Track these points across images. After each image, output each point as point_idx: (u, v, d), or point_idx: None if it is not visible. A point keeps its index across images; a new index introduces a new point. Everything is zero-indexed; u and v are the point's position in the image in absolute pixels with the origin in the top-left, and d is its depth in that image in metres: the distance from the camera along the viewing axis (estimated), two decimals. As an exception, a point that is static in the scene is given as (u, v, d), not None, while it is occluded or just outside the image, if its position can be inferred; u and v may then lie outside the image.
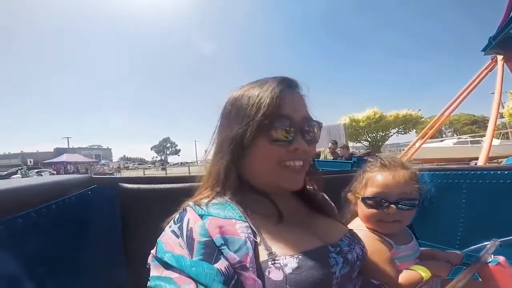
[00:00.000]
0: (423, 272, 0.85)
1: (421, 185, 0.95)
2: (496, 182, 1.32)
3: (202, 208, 0.60)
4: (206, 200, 0.64)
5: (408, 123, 38.39)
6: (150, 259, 0.55)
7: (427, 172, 1.56)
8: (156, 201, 1.06)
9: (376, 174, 0.95)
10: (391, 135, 39.94)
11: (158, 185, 1.14)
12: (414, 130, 37.21)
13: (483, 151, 6.00)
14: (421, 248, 1.13)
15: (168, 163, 69.89)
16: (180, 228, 0.56)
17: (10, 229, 0.57)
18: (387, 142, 41.77)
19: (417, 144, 9.17)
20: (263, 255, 0.56)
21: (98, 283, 0.89)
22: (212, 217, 0.58)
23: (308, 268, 0.55)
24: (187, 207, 0.62)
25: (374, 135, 38.33)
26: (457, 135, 34.17)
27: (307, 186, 0.82)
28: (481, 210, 1.38)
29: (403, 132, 39.87)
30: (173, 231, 0.57)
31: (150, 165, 68.50)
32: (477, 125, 46.26)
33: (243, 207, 0.63)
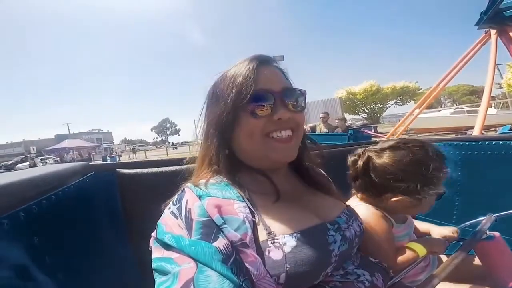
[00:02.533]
0: (419, 250, 0.83)
1: None
2: (491, 153, 1.25)
3: (200, 189, 0.60)
4: (204, 181, 0.64)
5: (405, 95, 38.00)
6: (151, 242, 0.55)
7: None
8: (155, 184, 1.06)
9: (445, 169, 0.88)
10: (389, 107, 39.70)
11: (156, 168, 1.13)
12: (413, 101, 36.79)
13: (478, 120, 5.91)
14: (417, 222, 1.10)
15: (169, 143, 69.85)
16: (179, 209, 0.57)
17: (14, 223, 0.56)
18: (386, 113, 41.51)
19: (413, 115, 9.07)
20: (262, 235, 0.56)
21: (107, 270, 0.90)
22: (210, 197, 0.58)
23: (307, 247, 0.55)
24: (185, 188, 0.63)
25: (372, 107, 38.06)
26: (456, 105, 33.90)
27: (305, 163, 0.80)
28: (477, 183, 1.31)
29: (401, 103, 39.55)
30: (172, 212, 0.57)
31: (151, 146, 68.19)
32: (476, 95, 45.30)
33: (240, 187, 0.63)
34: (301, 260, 0.54)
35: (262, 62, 0.68)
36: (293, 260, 0.53)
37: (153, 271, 0.51)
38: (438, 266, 0.85)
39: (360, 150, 0.97)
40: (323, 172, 0.90)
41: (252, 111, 0.64)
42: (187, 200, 0.58)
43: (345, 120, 7.46)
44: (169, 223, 0.55)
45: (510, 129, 6.60)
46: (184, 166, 1.14)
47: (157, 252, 0.52)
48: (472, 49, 7.49)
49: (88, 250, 0.84)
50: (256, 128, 0.65)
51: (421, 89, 37.44)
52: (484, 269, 0.88)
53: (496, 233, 0.84)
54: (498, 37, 6.65)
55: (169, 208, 0.59)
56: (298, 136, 0.70)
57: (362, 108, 38.42)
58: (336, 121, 7.26)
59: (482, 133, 6.12)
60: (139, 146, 59.31)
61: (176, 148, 39.41)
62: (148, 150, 44.83)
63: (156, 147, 61.36)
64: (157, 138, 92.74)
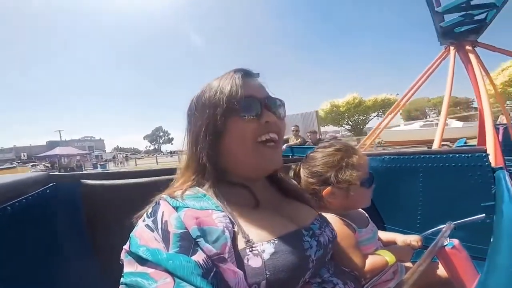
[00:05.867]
0: (389, 257, 0.85)
1: None
2: (448, 166, 1.33)
3: (177, 200, 0.57)
4: (180, 192, 0.61)
5: (386, 107, 38.86)
6: (123, 255, 0.51)
7: (387, 157, 1.56)
8: (123, 197, 1.02)
9: (356, 157, 0.94)
10: (371, 119, 40.49)
11: (124, 180, 1.08)
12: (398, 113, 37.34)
13: (436, 134, 5.74)
14: (383, 232, 1.14)
15: (162, 151, 68.72)
16: (155, 221, 0.53)
17: None
18: (370, 125, 42.24)
19: (379, 128, 8.88)
20: (241, 243, 0.54)
21: (68, 284, 0.84)
22: (188, 208, 0.55)
23: (285, 253, 0.55)
24: (160, 200, 0.59)
25: (355, 119, 38.73)
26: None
27: (279, 173, 0.81)
28: (436, 193, 1.38)
29: (382, 115, 40.35)
30: (147, 225, 0.53)
31: (143, 154, 67.01)
32: (459, 106, 46.33)
33: (218, 196, 0.61)
34: (280, 267, 0.53)
35: (246, 74, 0.70)
36: (272, 267, 0.52)
37: (124, 286, 0.46)
38: (406, 273, 0.89)
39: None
40: (295, 182, 0.91)
41: (242, 116, 0.64)
42: (163, 212, 0.54)
43: (315, 132, 7.69)
44: (144, 236, 0.51)
45: (465, 143, 6.66)
46: (154, 178, 1.11)
47: (129, 267, 0.48)
48: (432, 65, 7.39)
49: (48, 262, 0.79)
50: (247, 131, 0.64)
51: (401, 101, 38.24)
52: (447, 274, 0.90)
53: (456, 240, 0.87)
54: (456, 53, 6.56)
55: (143, 221, 0.55)
56: (281, 143, 0.72)
57: (346, 120, 39.06)
58: (308, 134, 7.57)
59: (443, 146, 6.08)
60: (131, 154, 58.13)
61: (172, 156, 38.59)
62: (139, 158, 43.77)
63: (148, 155, 60.34)
64: (149, 146, 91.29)
